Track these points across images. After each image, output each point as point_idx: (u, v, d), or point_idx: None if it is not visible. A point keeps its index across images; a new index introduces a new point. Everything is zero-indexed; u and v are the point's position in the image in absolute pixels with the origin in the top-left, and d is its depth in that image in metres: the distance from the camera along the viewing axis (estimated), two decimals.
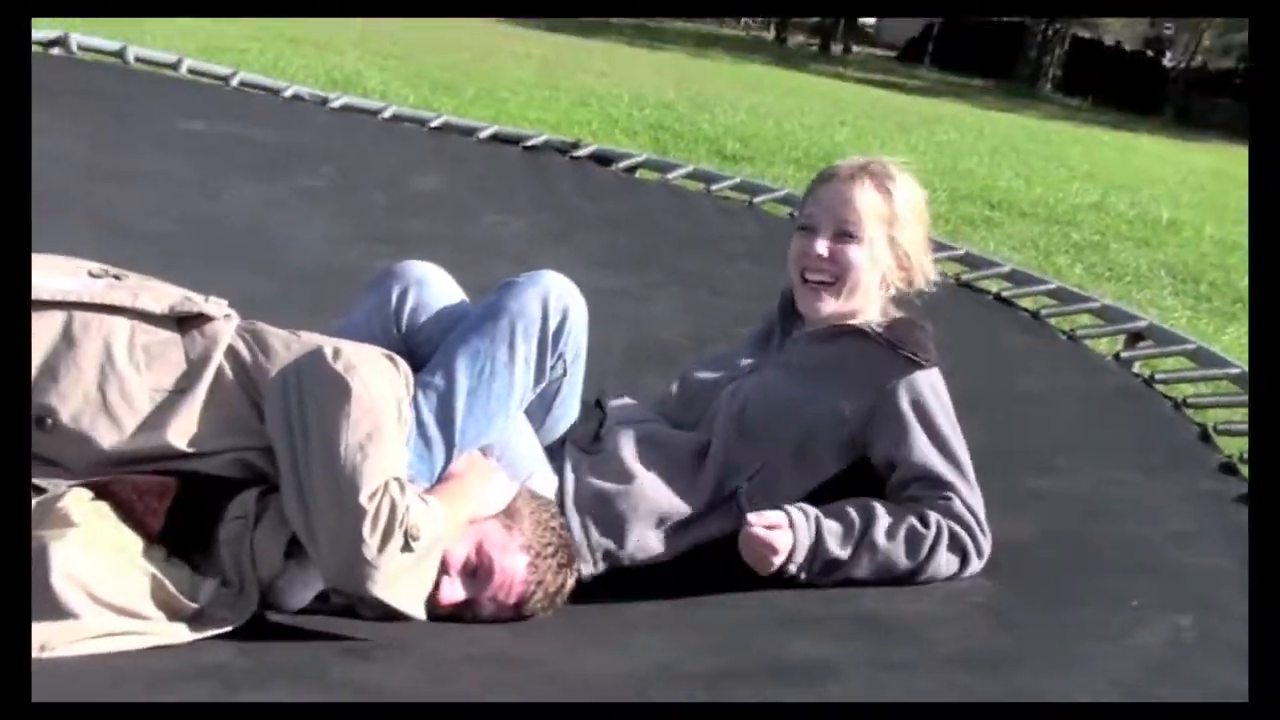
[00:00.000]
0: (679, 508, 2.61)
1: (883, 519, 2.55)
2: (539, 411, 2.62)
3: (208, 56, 8.53)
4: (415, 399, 2.43)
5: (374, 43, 15.12)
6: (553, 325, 2.51)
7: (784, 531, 2.52)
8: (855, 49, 31.76)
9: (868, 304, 2.70)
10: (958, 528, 2.55)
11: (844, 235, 2.66)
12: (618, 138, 10.72)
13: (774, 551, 2.52)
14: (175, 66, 5.66)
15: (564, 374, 2.57)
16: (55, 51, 5.54)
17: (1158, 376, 3.88)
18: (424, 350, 2.54)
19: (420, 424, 2.43)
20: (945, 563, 2.55)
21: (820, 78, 22.65)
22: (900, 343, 2.63)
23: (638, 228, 4.76)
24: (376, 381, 2.30)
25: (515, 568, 2.38)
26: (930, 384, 2.63)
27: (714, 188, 5.18)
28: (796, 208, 4.95)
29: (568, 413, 2.66)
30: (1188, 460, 3.25)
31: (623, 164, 5.33)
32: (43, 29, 5.50)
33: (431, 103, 10.44)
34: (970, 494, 2.59)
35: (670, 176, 5.28)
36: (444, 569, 2.34)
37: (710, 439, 2.65)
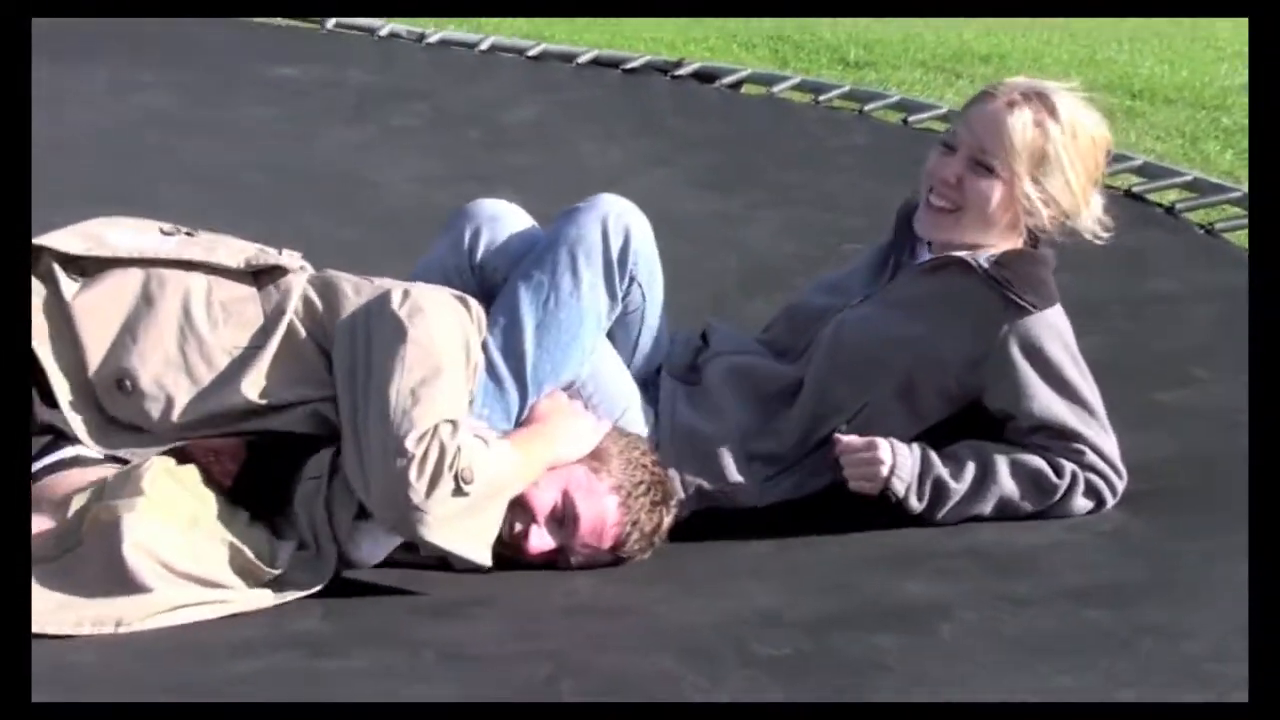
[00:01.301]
0: (774, 449, 2.48)
1: (1004, 459, 2.39)
2: (625, 341, 2.52)
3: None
4: (484, 340, 2.35)
5: None
6: (615, 247, 2.40)
7: (883, 446, 2.37)
8: None
9: (991, 239, 2.47)
10: (1093, 476, 2.39)
11: (981, 165, 2.42)
12: (735, 52, 10.47)
13: (875, 461, 2.36)
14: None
15: (642, 298, 2.45)
16: None
17: None
18: (498, 289, 2.47)
19: (490, 364, 2.37)
20: (1078, 508, 2.40)
21: None
22: (1008, 283, 2.39)
23: (741, 146, 4.61)
24: (442, 324, 2.24)
25: (605, 511, 2.29)
26: (1047, 325, 2.41)
27: (822, 98, 4.97)
28: (910, 112, 4.77)
29: (656, 339, 2.55)
30: None
31: (727, 80, 5.14)
32: None
33: (544, 31, 10.31)
34: (1103, 439, 2.40)
35: (776, 90, 5.07)
36: (530, 516, 2.27)
37: (813, 372, 2.50)
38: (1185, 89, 10.07)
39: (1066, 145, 2.41)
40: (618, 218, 2.41)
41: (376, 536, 2.23)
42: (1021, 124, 2.40)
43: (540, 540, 2.29)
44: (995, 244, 2.48)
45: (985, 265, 2.42)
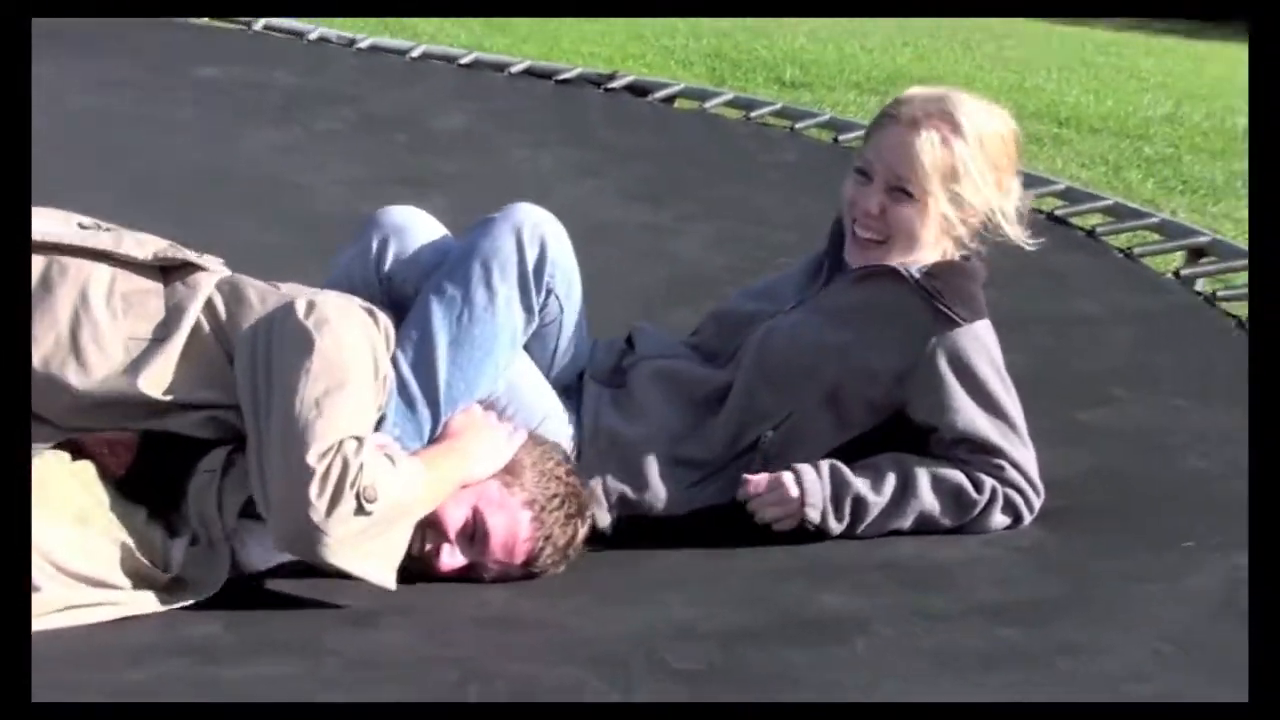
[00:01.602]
0: (699, 455, 2.45)
1: (924, 473, 2.38)
2: (544, 351, 2.46)
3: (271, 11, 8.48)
4: (394, 355, 2.30)
5: None
6: (531, 259, 2.34)
7: (789, 481, 2.36)
8: None
9: (922, 255, 2.46)
10: (1011, 492, 2.38)
11: (898, 191, 2.41)
12: (673, 69, 10.49)
13: (784, 499, 2.36)
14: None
15: (560, 309, 2.41)
16: None
17: (1220, 294, 3.64)
18: (408, 300, 2.39)
19: (401, 381, 2.29)
20: (996, 523, 2.39)
21: None
22: (939, 294, 2.39)
23: (673, 159, 4.60)
24: (348, 336, 2.17)
25: (517, 526, 2.25)
26: (975, 339, 2.40)
27: (754, 114, 4.98)
28: (840, 131, 4.79)
29: (576, 347, 2.50)
30: None
31: (660, 94, 5.14)
32: None
33: (484, 43, 10.27)
34: (1023, 454, 2.40)
35: (709, 105, 5.08)
36: (441, 534, 2.23)
37: (735, 381, 2.47)
38: (1110, 118, 10.23)
39: (975, 155, 2.40)
40: (533, 228, 2.35)
41: (263, 538, 2.17)
42: (930, 145, 2.38)
43: (451, 558, 2.25)
44: (926, 258, 2.47)
45: (916, 275, 2.42)
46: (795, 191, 4.24)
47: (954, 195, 2.40)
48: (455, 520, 2.24)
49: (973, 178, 2.40)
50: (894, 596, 2.22)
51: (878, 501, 2.38)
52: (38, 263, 2.20)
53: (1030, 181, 4.27)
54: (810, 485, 2.36)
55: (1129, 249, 3.97)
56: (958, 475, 2.39)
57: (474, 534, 2.25)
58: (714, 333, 2.60)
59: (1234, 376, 3.09)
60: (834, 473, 2.38)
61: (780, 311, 2.51)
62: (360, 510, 2.06)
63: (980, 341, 2.42)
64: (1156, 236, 4.06)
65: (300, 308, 2.18)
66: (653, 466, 2.43)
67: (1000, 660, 1.97)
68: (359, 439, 2.10)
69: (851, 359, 2.42)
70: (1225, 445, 2.71)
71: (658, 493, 2.43)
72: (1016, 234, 2.48)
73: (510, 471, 2.28)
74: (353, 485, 2.05)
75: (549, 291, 2.38)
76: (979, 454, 2.39)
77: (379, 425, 2.27)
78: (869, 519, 2.38)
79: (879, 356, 2.41)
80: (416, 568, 2.27)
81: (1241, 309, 3.52)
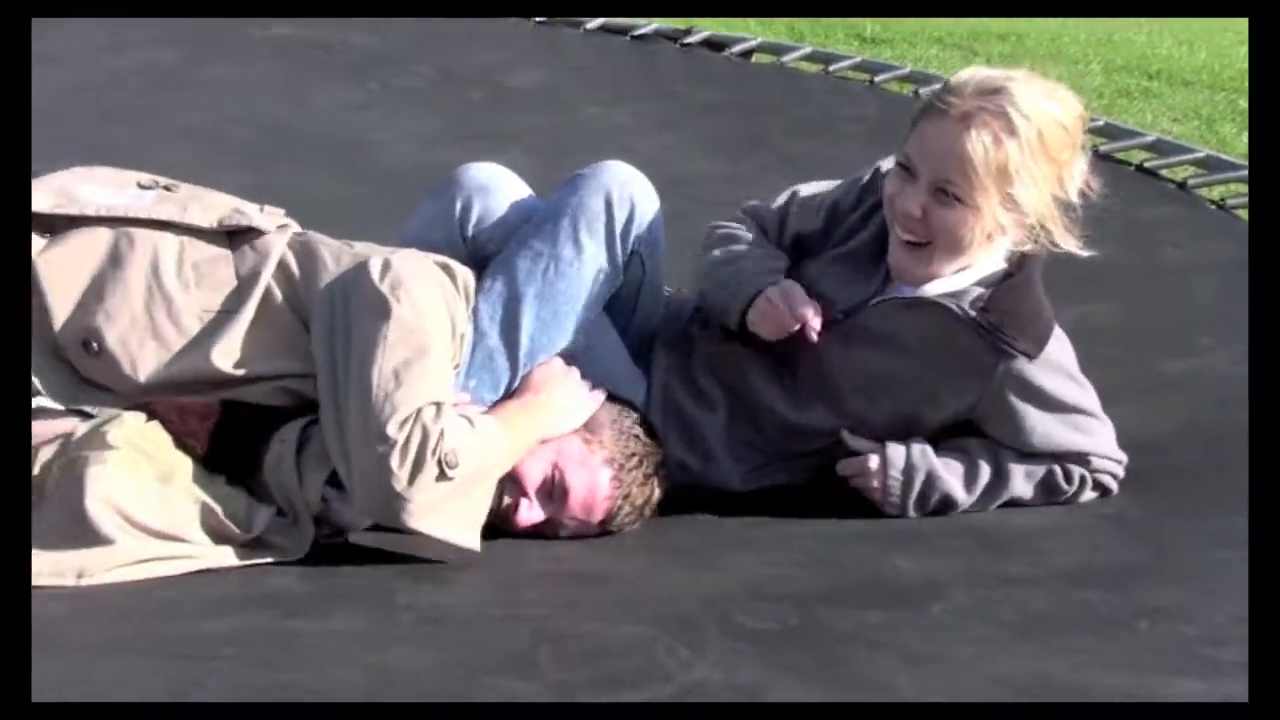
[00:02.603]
0: (759, 444, 2.42)
1: (1020, 466, 2.32)
2: (622, 310, 2.44)
3: None
4: (476, 308, 2.28)
5: None
6: (619, 218, 2.31)
7: (874, 472, 2.33)
8: None
9: (974, 259, 2.32)
10: (1101, 475, 2.34)
11: (943, 194, 2.22)
12: (751, 25, 10.38)
13: (867, 490, 2.33)
14: None
15: (643, 270, 2.38)
16: None
17: None
18: (490, 259, 2.38)
19: (480, 334, 2.29)
20: (1084, 499, 2.36)
21: None
22: (999, 330, 2.26)
23: (750, 113, 4.53)
24: (426, 298, 2.17)
25: (598, 484, 2.25)
26: (1044, 362, 2.29)
27: (832, 68, 4.89)
28: (920, 84, 4.69)
29: (653, 310, 2.48)
30: None
31: (736, 49, 5.06)
32: None
33: None
34: (1104, 439, 2.34)
35: (786, 59, 4.99)
36: (520, 489, 2.23)
37: (798, 393, 2.39)
38: (1203, 71, 9.96)
39: (1034, 151, 2.20)
40: (623, 187, 2.33)
41: (342, 500, 2.18)
42: (981, 145, 2.18)
43: (530, 514, 2.25)
44: (976, 260, 2.34)
45: (973, 314, 2.28)
46: (874, 144, 4.13)
47: (1007, 198, 2.21)
48: (535, 476, 2.23)
49: (1029, 178, 2.20)
50: (972, 561, 2.19)
51: (966, 500, 2.33)
52: (106, 236, 2.21)
53: (1118, 134, 4.22)
54: (893, 484, 2.32)
55: (1222, 200, 3.85)
56: (1049, 467, 2.34)
57: (553, 490, 2.24)
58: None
59: None
60: (926, 478, 2.32)
61: (835, 316, 2.36)
62: (442, 476, 2.07)
63: (1051, 363, 2.31)
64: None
65: (375, 270, 2.16)
66: (715, 446, 2.41)
67: (1078, 625, 1.93)
68: (438, 404, 2.10)
69: (914, 389, 2.34)
70: None
71: (720, 471, 2.42)
72: (1068, 243, 2.30)
73: (590, 428, 2.28)
74: (434, 452, 2.06)
75: (634, 252, 2.36)
76: (1062, 459, 2.34)
77: (456, 376, 2.26)
78: (955, 511, 2.33)
79: (946, 390, 2.33)
80: (493, 522, 2.27)
81: None
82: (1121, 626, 1.92)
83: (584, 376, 2.36)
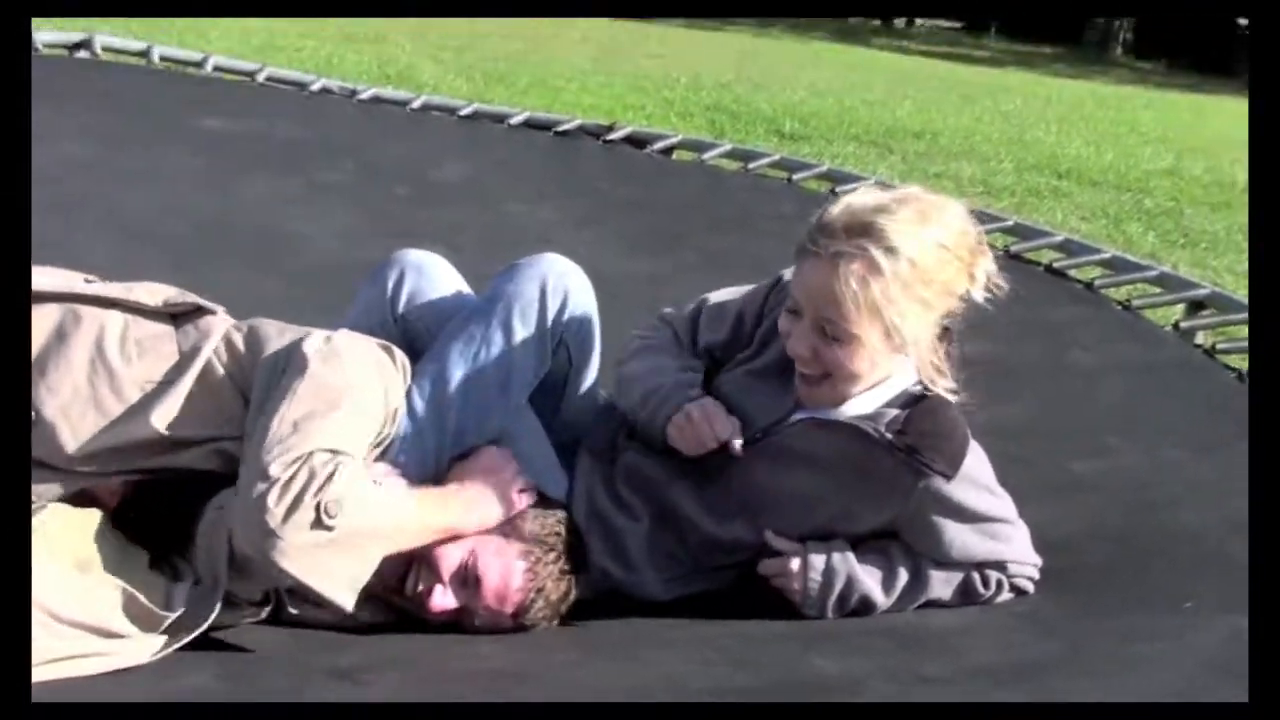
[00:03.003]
0: (680, 556, 2.42)
1: (935, 571, 2.35)
2: (548, 406, 2.46)
3: (265, 56, 8.50)
4: (409, 387, 2.32)
5: (430, 36, 15.07)
6: (552, 307, 2.36)
7: (795, 575, 2.35)
8: (919, 21, 31.29)
9: (876, 378, 2.34)
10: (1018, 580, 2.38)
11: (826, 332, 2.25)
12: (673, 121, 10.55)
13: (789, 591, 2.35)
14: (200, 65, 5.55)
15: (569, 362, 2.41)
16: (80, 55, 5.45)
17: (1219, 346, 3.63)
18: (422, 340, 2.43)
19: (411, 411, 2.32)
20: (1000, 601, 2.39)
21: (884, 52, 22.30)
22: (916, 453, 2.28)
23: (671, 210, 4.60)
24: (354, 365, 2.20)
25: (511, 575, 2.25)
26: (961, 479, 2.31)
27: (752, 166, 4.99)
28: (837, 183, 4.81)
29: (584, 408, 2.50)
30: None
31: (658, 145, 5.16)
32: (68, 29, 5.45)
33: (485, 94, 10.33)
34: (1020, 545, 2.38)
35: (707, 156, 5.10)
36: (435, 575, 2.23)
37: (719, 507, 2.41)
38: (1110, 171, 10.29)
39: (906, 283, 2.21)
40: (558, 278, 2.38)
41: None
42: (850, 286, 2.19)
43: (442, 600, 2.24)
44: (886, 377, 2.36)
45: (889, 437, 2.30)
46: (793, 241, 4.23)
47: (886, 328, 2.24)
48: (450, 562, 2.23)
49: (905, 310, 2.22)
50: (889, 660, 2.20)
51: (885, 602, 2.35)
52: (53, 312, 2.24)
53: (1029, 234, 4.34)
54: (813, 586, 2.34)
55: (1128, 301, 3.96)
56: (967, 572, 2.37)
57: (467, 577, 2.24)
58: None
59: (1232, 429, 3.09)
60: (847, 579, 2.34)
61: (754, 434, 2.38)
62: (319, 523, 2.05)
63: (966, 477, 2.33)
64: (1156, 289, 4.05)
65: (316, 340, 2.22)
66: (637, 555, 2.42)
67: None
68: (335, 452, 2.09)
69: (833, 506, 2.37)
70: (1222, 499, 2.69)
71: (643, 580, 2.42)
72: (939, 386, 2.33)
73: (509, 521, 2.28)
74: (315, 495, 2.05)
75: (562, 342, 2.39)
76: (980, 566, 2.38)
77: (385, 451, 2.27)
78: (873, 612, 2.37)
79: (864, 508, 2.36)
80: (408, 609, 2.26)
81: (1242, 361, 3.51)
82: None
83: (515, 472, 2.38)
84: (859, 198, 2.28)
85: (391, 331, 2.43)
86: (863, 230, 2.20)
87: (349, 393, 2.17)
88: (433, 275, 2.47)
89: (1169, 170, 10.67)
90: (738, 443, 2.35)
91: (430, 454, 2.32)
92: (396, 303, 2.45)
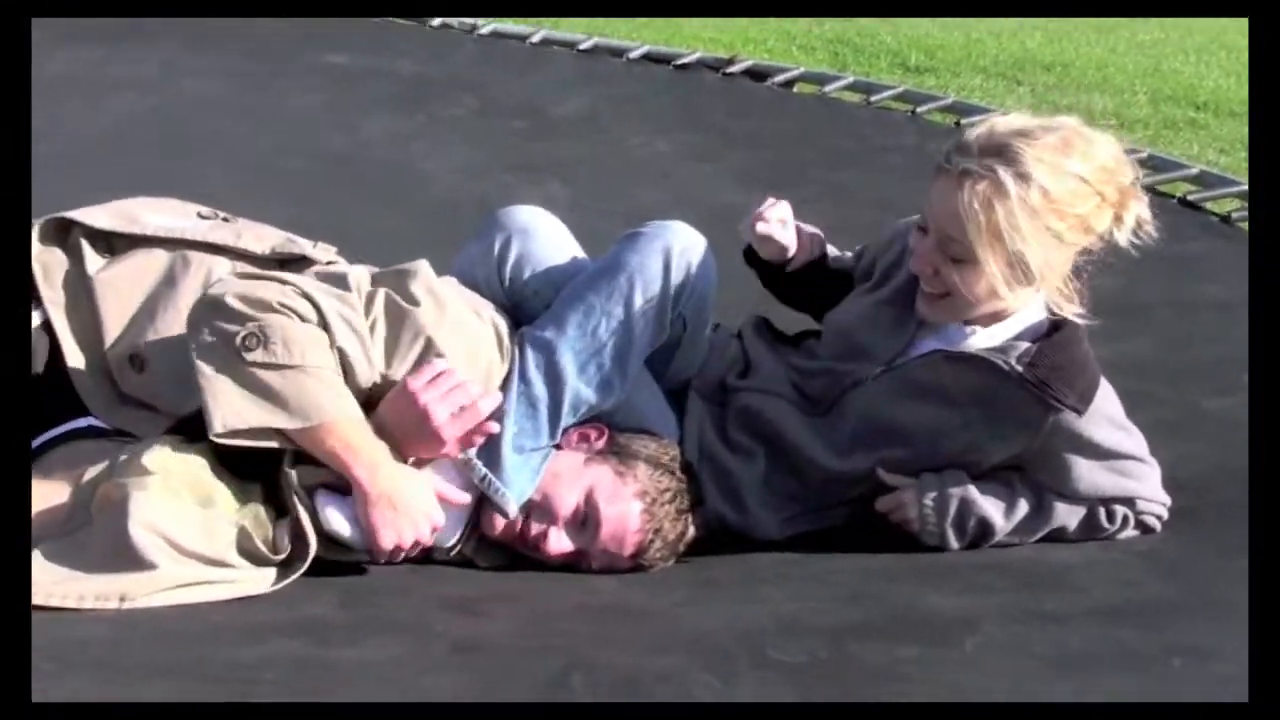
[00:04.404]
0: (797, 493, 2.43)
1: (1059, 501, 2.32)
2: (661, 363, 2.46)
3: None
4: (523, 354, 2.30)
5: None
6: (674, 282, 2.33)
7: (910, 505, 2.35)
8: None
9: (1001, 305, 2.31)
10: (1145, 516, 2.34)
11: (949, 251, 2.23)
12: (794, 55, 10.39)
13: (904, 522, 2.34)
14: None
15: (684, 329, 2.40)
16: None
17: None
18: (531, 304, 2.41)
19: (526, 382, 2.30)
20: (1127, 536, 2.36)
21: None
22: (1046, 386, 2.24)
23: (792, 143, 4.53)
24: (447, 306, 2.24)
25: (628, 517, 2.26)
26: (1092, 415, 2.28)
27: (874, 99, 4.90)
28: (962, 115, 4.70)
29: (691, 361, 2.50)
30: None
31: (778, 79, 5.08)
32: None
33: (605, 28, 10.27)
34: (1150, 482, 2.35)
35: (828, 89, 5.01)
36: (550, 518, 2.25)
37: (839, 443, 2.40)
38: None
39: (1033, 212, 2.18)
40: (681, 253, 2.34)
41: (339, 504, 2.18)
42: (974, 202, 2.17)
43: (559, 543, 2.26)
44: (1013, 307, 2.33)
45: (1019, 368, 2.27)
46: (916, 175, 4.15)
47: (1010, 257, 2.20)
48: (566, 506, 2.25)
49: (1030, 239, 2.18)
50: (1006, 597, 2.17)
51: (1005, 526, 2.33)
52: (163, 257, 2.28)
53: (1162, 165, 4.20)
54: (928, 511, 2.33)
55: None
56: (1091, 505, 2.33)
57: (584, 521, 2.25)
58: (814, 381, 2.46)
59: None
60: (961, 503, 2.33)
61: (871, 377, 2.38)
62: (254, 343, 2.08)
63: (1099, 414, 2.30)
64: None
65: (423, 270, 2.24)
66: (750, 497, 2.42)
67: (1113, 661, 1.92)
68: (309, 298, 2.11)
69: (960, 441, 2.34)
70: None
71: (754, 520, 2.42)
72: (1067, 309, 2.30)
73: (623, 462, 2.28)
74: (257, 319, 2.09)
75: (681, 315, 2.38)
76: (1108, 502, 2.35)
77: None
78: (995, 540, 2.33)
79: (990, 441, 2.33)
80: (525, 552, 2.29)
81: None
82: (1157, 663, 1.91)
83: (617, 428, 2.36)
84: (1006, 119, 2.26)
85: (498, 292, 2.41)
86: (997, 151, 2.18)
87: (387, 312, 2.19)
88: (541, 237, 2.45)
89: None
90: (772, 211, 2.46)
91: (545, 426, 2.30)
92: (504, 266, 2.42)
